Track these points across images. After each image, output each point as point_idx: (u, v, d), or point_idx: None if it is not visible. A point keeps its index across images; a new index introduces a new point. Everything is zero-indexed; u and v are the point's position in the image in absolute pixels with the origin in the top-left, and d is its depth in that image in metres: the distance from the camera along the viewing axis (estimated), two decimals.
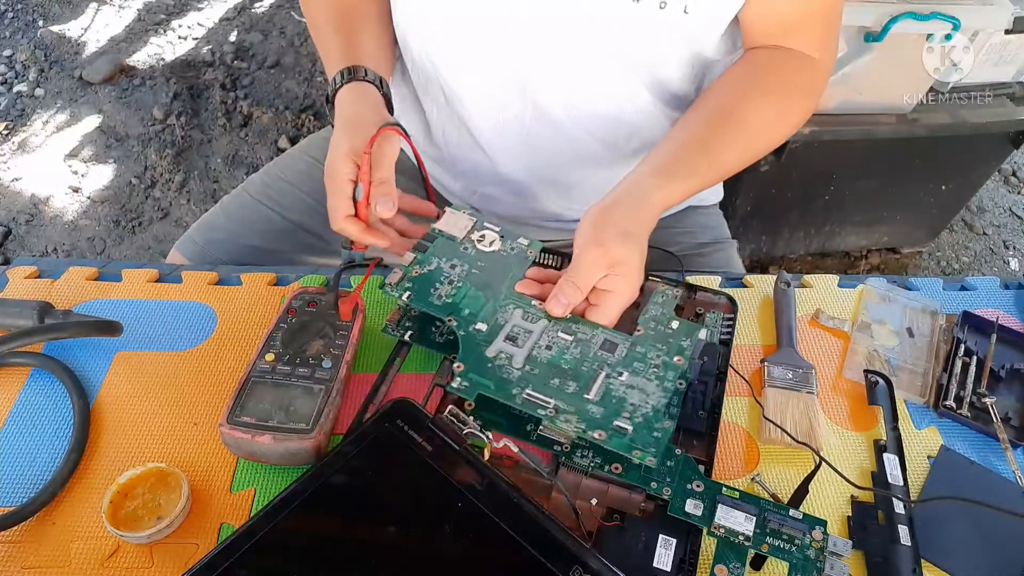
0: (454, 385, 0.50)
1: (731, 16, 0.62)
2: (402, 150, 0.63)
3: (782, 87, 0.65)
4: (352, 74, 0.64)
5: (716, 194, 0.89)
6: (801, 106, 0.67)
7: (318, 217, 0.80)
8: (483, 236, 0.61)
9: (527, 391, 0.50)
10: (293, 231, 0.81)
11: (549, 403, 0.50)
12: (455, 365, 0.52)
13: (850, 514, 0.53)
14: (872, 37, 1.08)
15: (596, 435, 0.48)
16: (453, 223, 0.62)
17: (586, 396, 0.51)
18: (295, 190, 0.82)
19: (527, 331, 0.54)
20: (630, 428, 0.49)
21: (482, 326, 0.54)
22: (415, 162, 0.68)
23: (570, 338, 0.54)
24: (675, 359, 0.54)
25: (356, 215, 0.59)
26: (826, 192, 1.43)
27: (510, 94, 0.68)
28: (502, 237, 0.61)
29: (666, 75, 0.66)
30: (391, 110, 0.66)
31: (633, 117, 0.70)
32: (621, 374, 0.52)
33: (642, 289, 0.58)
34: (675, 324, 0.56)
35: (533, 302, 0.56)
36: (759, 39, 0.65)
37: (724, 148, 0.62)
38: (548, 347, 0.54)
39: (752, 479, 0.54)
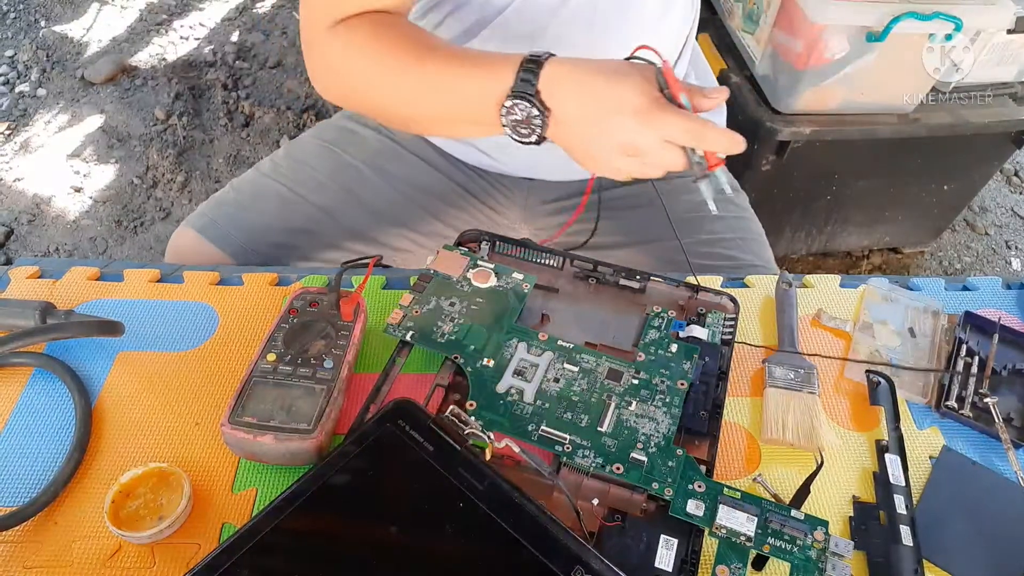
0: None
1: None
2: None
3: None
4: (534, 57, 0.55)
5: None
6: None
7: (327, 192, 0.81)
8: (478, 273, 0.62)
9: (542, 427, 0.52)
10: (303, 204, 0.81)
11: (565, 439, 0.51)
12: (468, 403, 0.53)
13: (852, 514, 0.53)
14: (873, 37, 1.08)
15: (614, 469, 0.50)
16: (448, 262, 0.62)
17: (599, 428, 0.52)
18: (305, 166, 0.83)
19: (533, 364, 0.56)
20: (645, 460, 0.50)
21: (489, 362, 0.56)
22: None
23: (576, 369, 0.56)
24: (678, 383, 0.55)
25: None
26: (828, 192, 1.43)
27: None
28: (497, 273, 0.62)
29: None
30: None
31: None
32: (630, 404, 0.54)
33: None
34: (674, 348, 0.58)
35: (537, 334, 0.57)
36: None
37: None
38: (556, 379, 0.55)
39: (754, 479, 0.54)
